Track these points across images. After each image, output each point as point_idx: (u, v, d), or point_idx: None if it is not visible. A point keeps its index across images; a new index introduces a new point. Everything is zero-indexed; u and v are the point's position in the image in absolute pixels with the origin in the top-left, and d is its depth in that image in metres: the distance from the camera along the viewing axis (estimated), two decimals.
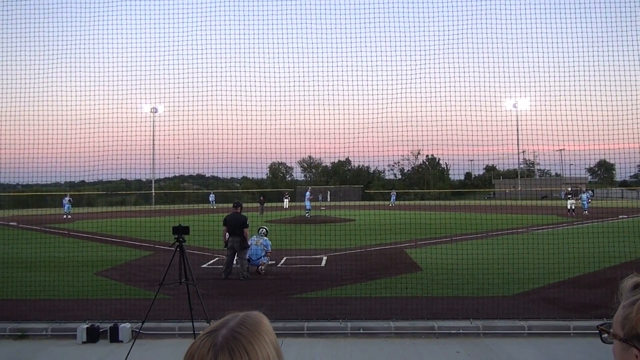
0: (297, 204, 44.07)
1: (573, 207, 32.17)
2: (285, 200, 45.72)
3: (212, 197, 49.67)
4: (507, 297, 9.28)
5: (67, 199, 36.08)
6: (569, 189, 35.55)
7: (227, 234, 11.99)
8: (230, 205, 12.76)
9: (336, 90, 11.15)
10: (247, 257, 12.38)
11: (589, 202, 34.33)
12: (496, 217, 19.77)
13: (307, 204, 35.02)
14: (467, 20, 10.71)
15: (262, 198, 40.14)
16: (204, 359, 1.09)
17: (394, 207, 40.05)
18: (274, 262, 12.94)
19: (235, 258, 12.04)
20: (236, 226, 11.89)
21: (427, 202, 50.96)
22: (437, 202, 50.58)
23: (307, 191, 36.78)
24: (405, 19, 13.55)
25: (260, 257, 12.45)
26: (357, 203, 55.17)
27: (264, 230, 13.18)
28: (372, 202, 56.25)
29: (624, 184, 65.26)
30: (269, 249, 12.80)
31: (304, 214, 33.92)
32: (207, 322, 6.84)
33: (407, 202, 52.71)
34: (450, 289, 9.92)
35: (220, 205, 44.92)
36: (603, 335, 1.24)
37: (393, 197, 48.84)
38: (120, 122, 11.19)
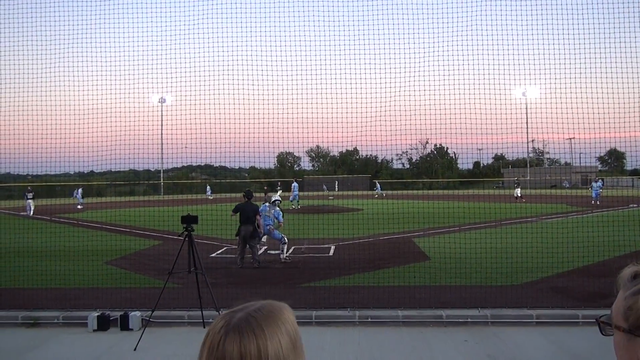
0: (304, 193, 43.71)
1: (518, 195, 35.37)
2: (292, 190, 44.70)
3: (208, 189, 48.65)
4: (515, 286, 9.26)
5: (79, 190, 36.34)
6: (516, 178, 38.28)
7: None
8: (227, 195, 12.79)
9: (344, 79, 11.12)
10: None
11: (600, 191, 34.05)
12: (504, 207, 19.66)
13: (295, 195, 33.79)
14: (476, 7, 10.59)
15: (266, 188, 39.79)
16: (216, 337, 1.13)
17: (384, 197, 39.67)
18: (285, 243, 12.74)
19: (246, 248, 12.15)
20: (250, 214, 12.05)
21: (435, 192, 50.76)
22: (446, 192, 50.42)
23: (293, 183, 34.99)
24: (413, 7, 13.41)
25: (270, 224, 12.57)
26: (365, 192, 55.07)
27: (278, 200, 13.18)
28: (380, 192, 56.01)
29: (634, 172, 64.62)
30: (281, 219, 12.88)
31: (294, 206, 32.99)
32: (216, 311, 6.90)
33: (415, 192, 52.60)
34: (458, 278, 9.91)
35: (217, 195, 44.31)
36: (603, 328, 1.22)
37: (378, 188, 48.13)
38: (128, 112, 11.28)
